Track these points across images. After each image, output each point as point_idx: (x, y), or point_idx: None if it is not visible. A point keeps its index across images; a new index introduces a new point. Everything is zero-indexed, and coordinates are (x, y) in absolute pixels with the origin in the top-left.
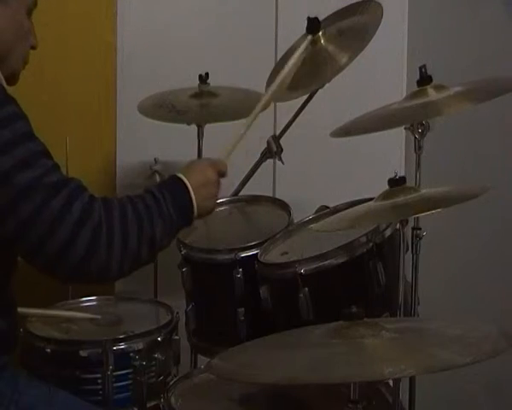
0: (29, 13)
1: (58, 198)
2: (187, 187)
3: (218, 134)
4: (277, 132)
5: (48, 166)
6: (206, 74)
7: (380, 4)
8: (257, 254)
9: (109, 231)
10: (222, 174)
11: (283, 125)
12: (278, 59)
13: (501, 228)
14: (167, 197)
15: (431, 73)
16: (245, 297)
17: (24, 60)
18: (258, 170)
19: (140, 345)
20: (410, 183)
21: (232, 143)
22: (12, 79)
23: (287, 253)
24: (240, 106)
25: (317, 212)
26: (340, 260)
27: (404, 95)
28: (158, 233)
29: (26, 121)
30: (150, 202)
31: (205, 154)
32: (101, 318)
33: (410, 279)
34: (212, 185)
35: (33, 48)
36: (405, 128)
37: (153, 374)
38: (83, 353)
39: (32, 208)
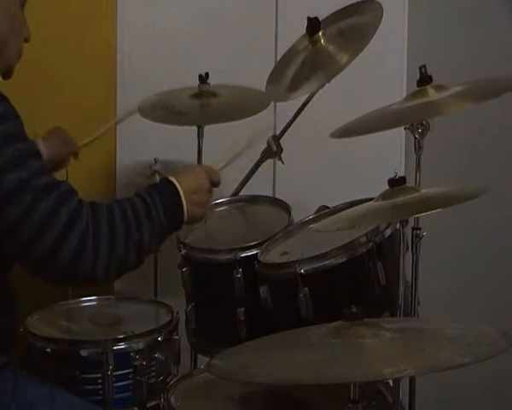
0: (22, 5)
1: (47, 201)
2: (178, 191)
3: (218, 134)
4: (277, 132)
5: (37, 167)
6: (206, 74)
7: (380, 4)
8: (257, 254)
9: (96, 236)
10: (214, 183)
11: (283, 125)
12: (278, 59)
13: (501, 228)
14: (157, 201)
15: (431, 73)
16: (245, 297)
17: (18, 53)
18: (259, 170)
19: (140, 345)
20: (410, 183)
21: (230, 156)
22: (8, 72)
23: (287, 253)
24: (240, 106)
25: (316, 212)
26: (340, 260)
27: (404, 95)
28: (146, 237)
29: (18, 121)
30: (139, 206)
31: (205, 154)
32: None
33: (410, 279)
34: (203, 192)
35: (26, 40)
36: (405, 128)
37: (153, 374)
38: (83, 353)
39: (21, 209)
